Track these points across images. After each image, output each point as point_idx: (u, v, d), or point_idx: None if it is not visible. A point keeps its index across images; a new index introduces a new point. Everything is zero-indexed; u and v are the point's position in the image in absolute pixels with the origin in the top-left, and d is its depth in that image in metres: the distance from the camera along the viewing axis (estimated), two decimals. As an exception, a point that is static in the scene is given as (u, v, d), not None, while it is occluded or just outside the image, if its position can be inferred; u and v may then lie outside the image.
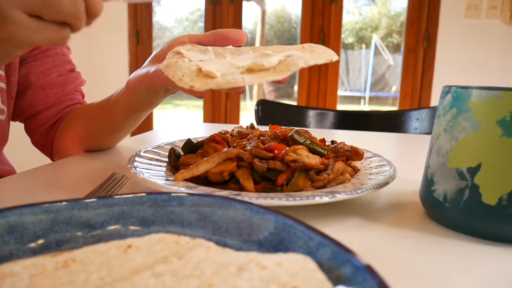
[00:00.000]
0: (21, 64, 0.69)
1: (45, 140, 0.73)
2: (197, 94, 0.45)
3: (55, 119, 0.72)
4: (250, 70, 0.39)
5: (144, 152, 0.54)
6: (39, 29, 0.37)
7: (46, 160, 0.73)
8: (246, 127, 0.61)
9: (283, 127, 0.58)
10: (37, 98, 0.70)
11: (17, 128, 0.73)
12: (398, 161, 0.63)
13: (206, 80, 0.37)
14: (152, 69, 0.51)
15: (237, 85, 0.36)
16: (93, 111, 0.68)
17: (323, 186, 0.44)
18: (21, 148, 1.09)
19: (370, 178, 0.46)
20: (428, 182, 0.40)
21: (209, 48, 0.48)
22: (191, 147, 0.54)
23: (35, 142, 0.75)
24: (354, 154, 0.52)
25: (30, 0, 0.35)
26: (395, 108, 3.01)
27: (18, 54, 0.42)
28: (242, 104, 2.76)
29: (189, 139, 0.55)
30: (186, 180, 0.45)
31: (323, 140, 0.55)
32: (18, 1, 0.35)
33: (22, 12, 0.35)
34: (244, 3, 2.57)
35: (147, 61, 0.57)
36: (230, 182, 0.46)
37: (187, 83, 0.37)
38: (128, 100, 0.59)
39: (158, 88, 0.54)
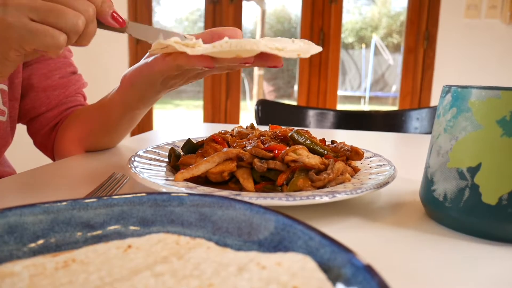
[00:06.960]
0: (24, 66, 0.69)
1: (47, 141, 0.73)
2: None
3: (56, 121, 0.72)
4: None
5: (144, 152, 0.54)
6: (37, 32, 0.39)
7: (47, 161, 0.73)
8: (246, 127, 0.61)
9: (283, 127, 0.58)
10: (39, 100, 0.70)
11: (17, 130, 0.73)
12: (398, 161, 0.63)
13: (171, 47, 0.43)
14: (150, 58, 0.52)
15: (189, 52, 0.42)
16: (90, 112, 0.69)
17: (323, 186, 0.44)
18: (22, 150, 1.09)
19: (370, 178, 0.46)
20: (428, 182, 0.40)
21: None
22: (191, 147, 0.54)
23: (37, 144, 0.75)
24: (354, 154, 0.52)
25: (37, 4, 0.38)
26: (395, 108, 3.00)
27: (16, 59, 0.42)
28: (242, 104, 2.76)
29: (189, 139, 0.55)
30: (186, 180, 0.45)
31: (323, 140, 0.55)
32: (25, 5, 0.37)
33: (24, 16, 0.38)
34: (244, 3, 2.57)
35: (143, 59, 0.57)
36: (230, 182, 0.46)
37: (155, 44, 0.44)
38: (123, 97, 0.59)
39: (156, 78, 0.52)
